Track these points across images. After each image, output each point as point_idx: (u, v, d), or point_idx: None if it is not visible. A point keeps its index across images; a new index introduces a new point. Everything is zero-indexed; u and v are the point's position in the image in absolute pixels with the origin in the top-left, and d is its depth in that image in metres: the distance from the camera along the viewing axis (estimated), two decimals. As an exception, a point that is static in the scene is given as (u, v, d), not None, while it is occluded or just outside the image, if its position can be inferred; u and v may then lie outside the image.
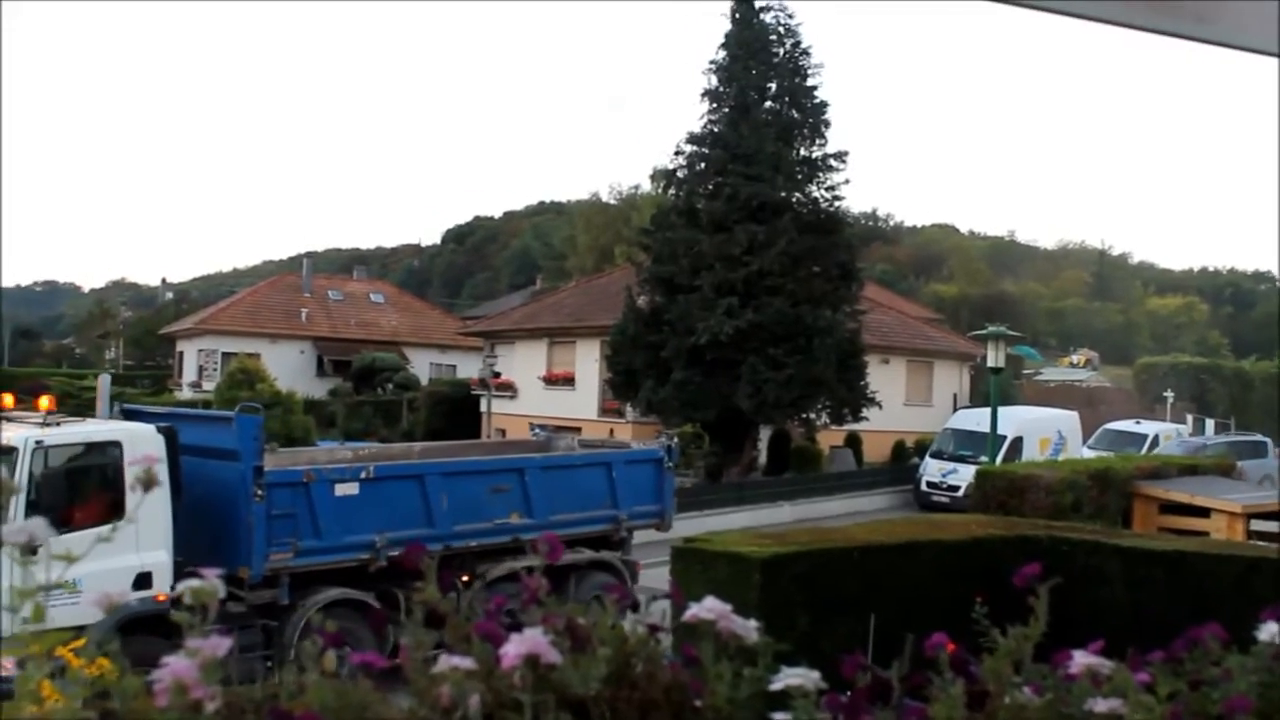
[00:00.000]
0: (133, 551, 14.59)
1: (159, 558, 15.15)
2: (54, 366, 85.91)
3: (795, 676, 1.66)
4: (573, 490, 20.09)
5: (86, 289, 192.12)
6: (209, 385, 54.93)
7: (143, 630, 12.20)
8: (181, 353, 67.30)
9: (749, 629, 1.87)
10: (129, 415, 17.60)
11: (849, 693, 1.82)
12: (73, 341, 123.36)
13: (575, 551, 18.78)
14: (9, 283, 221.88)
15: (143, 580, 14.90)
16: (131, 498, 14.35)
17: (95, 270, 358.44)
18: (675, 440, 22.32)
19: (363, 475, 17.51)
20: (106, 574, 10.72)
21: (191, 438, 16.26)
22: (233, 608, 15.72)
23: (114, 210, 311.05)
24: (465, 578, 18.03)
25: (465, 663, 1.56)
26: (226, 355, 57.09)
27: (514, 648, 1.53)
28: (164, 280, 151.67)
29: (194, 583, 1.70)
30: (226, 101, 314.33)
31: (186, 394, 58.41)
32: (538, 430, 24.08)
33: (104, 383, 18.40)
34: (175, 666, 1.53)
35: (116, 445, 15.30)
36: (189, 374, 63.33)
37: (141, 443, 15.24)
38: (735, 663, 1.84)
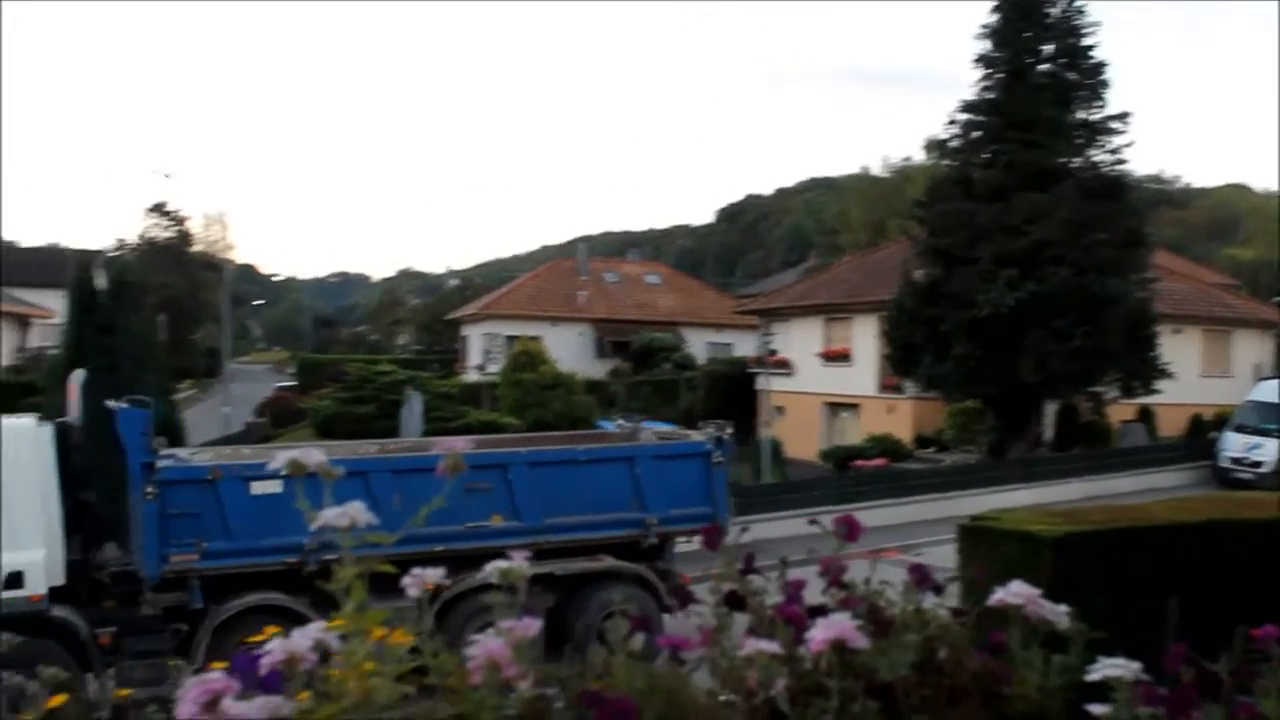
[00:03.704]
0: (6, 550, 14.06)
1: (34, 556, 14.41)
2: (351, 352, 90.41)
3: (1115, 667, 1.58)
4: (579, 490, 17.51)
5: (376, 279, 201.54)
6: (494, 368, 56.83)
7: (21, 630, 11.98)
8: (467, 337, 69.81)
9: (1059, 614, 1.80)
10: (110, 412, 16.03)
11: (1162, 682, 1.73)
12: (367, 329, 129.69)
13: (567, 561, 17.01)
14: (307, 275, 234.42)
15: (13, 580, 14.25)
16: (3, 494, 14.08)
17: (384, 260, 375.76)
18: (729, 431, 18.86)
19: (284, 472, 16.05)
20: None
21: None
22: (146, 610, 15.26)
23: (400, 202, 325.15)
24: (428, 587, 16.55)
25: (771, 646, 1.55)
26: (510, 339, 58.90)
27: (820, 633, 1.51)
28: (448, 268, 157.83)
29: (501, 564, 1.75)
30: (503, 92, 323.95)
31: (473, 377, 60.60)
32: (622, 420, 21.48)
33: (76, 379, 17.17)
34: (488, 645, 1.58)
35: None
36: (474, 357, 65.65)
37: (17, 439, 14.58)
38: (1044, 649, 1.78)
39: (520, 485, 16.98)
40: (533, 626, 1.58)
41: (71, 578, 14.94)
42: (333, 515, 1.67)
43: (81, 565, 15.19)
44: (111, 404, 15.83)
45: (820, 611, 1.78)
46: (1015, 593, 1.78)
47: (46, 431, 15.10)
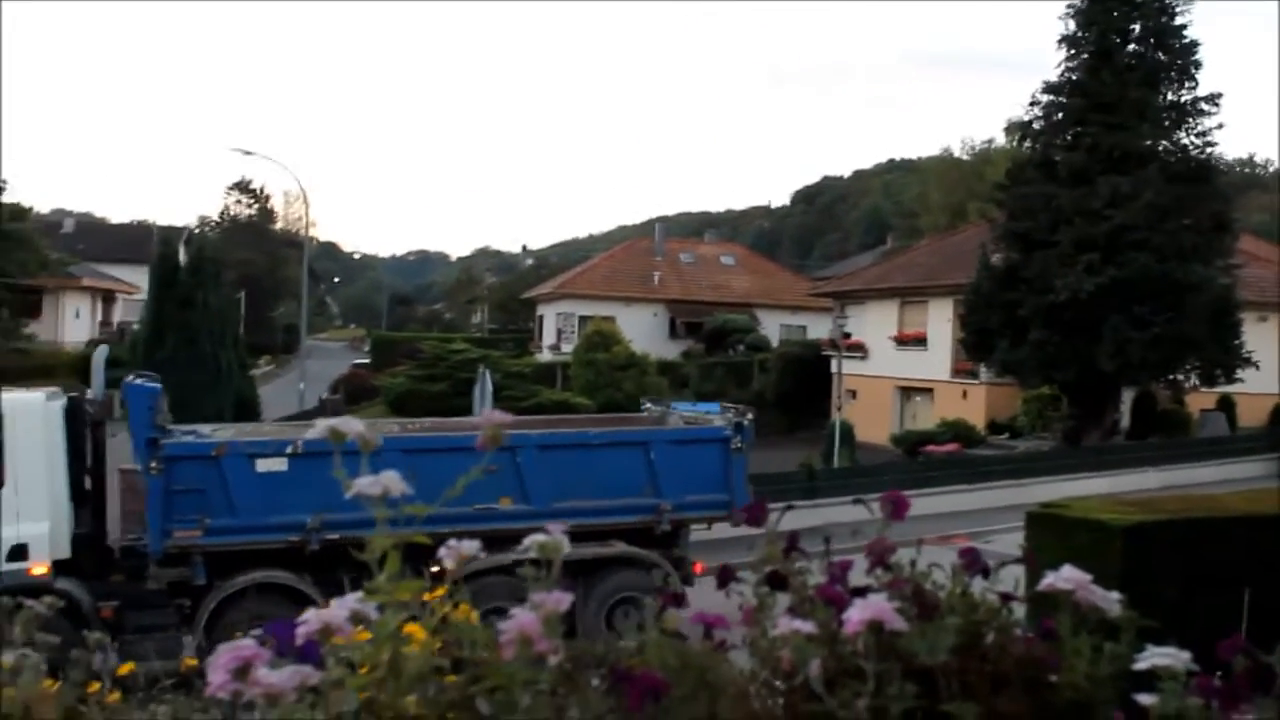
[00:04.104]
0: (11, 523, 14.26)
1: (38, 529, 14.58)
2: (426, 330, 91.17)
3: (1163, 656, 1.53)
4: (591, 474, 17.09)
5: (454, 257, 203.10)
6: (567, 347, 57.05)
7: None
8: (541, 316, 70.13)
9: (1110, 601, 1.75)
10: (127, 387, 16.07)
11: (1221, 675, 1.68)
12: (443, 307, 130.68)
13: (578, 546, 15.85)
14: (386, 253, 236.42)
15: (17, 552, 14.41)
16: (9, 468, 14.19)
17: (462, 239, 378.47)
18: (749, 417, 18.33)
19: (290, 450, 15.84)
20: None
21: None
22: (151, 584, 15.32)
23: (479, 182, 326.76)
24: (436, 568, 16.06)
25: (807, 626, 1.51)
26: (583, 319, 59.08)
27: (858, 613, 1.48)
28: (524, 247, 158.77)
29: (540, 537, 1.73)
30: (584, 72, 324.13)
31: (546, 356, 60.87)
32: (649, 405, 20.96)
33: (99, 355, 17.38)
34: (521, 620, 1.56)
35: None
36: (548, 337, 65.94)
37: (25, 413, 14.77)
38: (1095, 637, 1.73)
39: (530, 468, 16.71)
40: (563, 600, 1.56)
41: (79, 551, 15.09)
42: (366, 484, 1.66)
43: (89, 539, 15.31)
44: (127, 380, 16.01)
45: (863, 592, 1.74)
46: (1065, 578, 1.73)
47: (56, 406, 15.28)
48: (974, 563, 1.85)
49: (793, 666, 1.53)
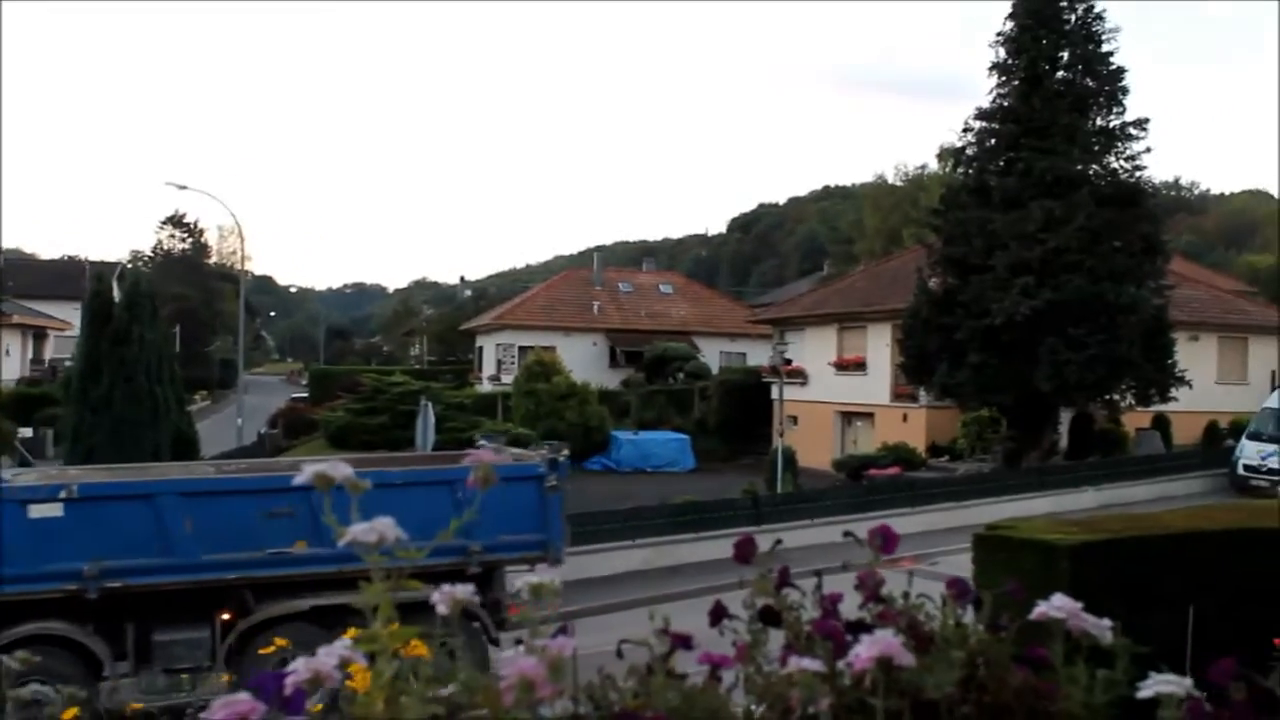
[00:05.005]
0: None
1: None
2: (364, 363, 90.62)
3: (1167, 684, 1.54)
4: (393, 515, 16.46)
5: (391, 289, 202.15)
6: (507, 378, 56.89)
7: None
8: (481, 347, 69.92)
9: (1103, 628, 1.76)
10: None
11: (1212, 700, 1.69)
12: (380, 339, 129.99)
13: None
14: (323, 286, 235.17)
15: None
16: None
17: (399, 271, 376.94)
18: (565, 453, 17.84)
19: (63, 495, 15.17)
20: None
21: None
22: None
23: (415, 213, 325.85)
24: (227, 615, 15.97)
25: (814, 664, 1.51)
26: (523, 349, 58.96)
27: (865, 650, 1.47)
28: (462, 278, 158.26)
29: (533, 578, 1.71)
30: (517, 103, 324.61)
31: (487, 387, 60.65)
32: (484, 440, 19.41)
33: None
34: (520, 664, 1.54)
35: None
36: (488, 368, 65.72)
37: None
38: (1088, 665, 1.73)
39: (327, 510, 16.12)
40: (568, 646, 1.54)
41: None
42: (361, 530, 1.63)
43: None
44: None
45: (859, 627, 1.73)
46: (1058, 606, 1.73)
47: None
48: (964, 593, 1.86)
49: (798, 705, 1.52)
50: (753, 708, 1.65)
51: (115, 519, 15.26)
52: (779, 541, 1.88)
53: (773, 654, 1.74)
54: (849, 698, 1.53)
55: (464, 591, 1.71)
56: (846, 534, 2.09)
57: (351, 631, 1.80)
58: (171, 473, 18.67)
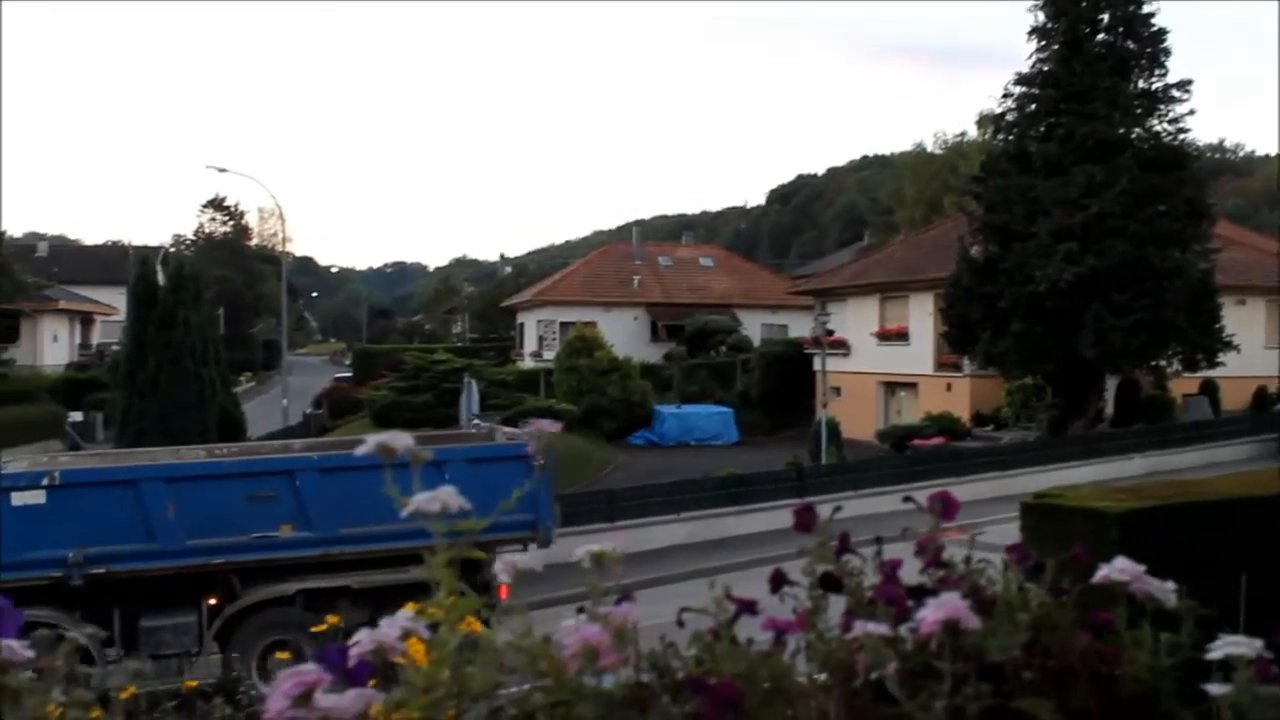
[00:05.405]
0: None
1: None
2: (406, 342, 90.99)
3: (1236, 645, 1.53)
4: (380, 497, 16.10)
5: (432, 268, 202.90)
6: (549, 354, 57.00)
7: None
8: (522, 324, 70.04)
9: (1167, 592, 1.75)
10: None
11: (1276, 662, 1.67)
12: (422, 318, 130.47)
13: (369, 574, 16.13)
14: (364, 266, 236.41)
15: None
16: None
17: (439, 249, 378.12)
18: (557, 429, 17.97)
19: (45, 482, 15.33)
20: None
21: None
22: None
23: (454, 191, 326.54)
24: (214, 600, 16.06)
25: (880, 628, 1.50)
26: (565, 325, 59.01)
27: (931, 613, 1.47)
28: (502, 255, 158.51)
29: (593, 547, 1.71)
30: (557, 78, 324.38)
31: (529, 363, 60.79)
32: (478, 421, 19.77)
33: None
34: (585, 632, 1.55)
35: None
36: (530, 344, 65.85)
37: None
38: (1152, 628, 1.72)
39: (310, 493, 16.22)
40: (631, 613, 1.55)
41: None
42: (424, 500, 1.64)
43: None
44: None
45: (920, 591, 1.73)
46: (1121, 569, 1.72)
47: None
48: (1025, 558, 1.85)
49: (863, 670, 1.52)
50: (815, 676, 1.65)
51: (99, 505, 15.40)
52: (838, 508, 1.87)
53: (832, 620, 1.74)
54: (913, 662, 1.53)
55: (526, 560, 1.71)
56: (906, 499, 2.08)
57: (411, 605, 1.81)
58: (162, 458, 18.80)
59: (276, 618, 16.24)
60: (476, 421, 19.92)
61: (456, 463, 15.91)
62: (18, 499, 15.01)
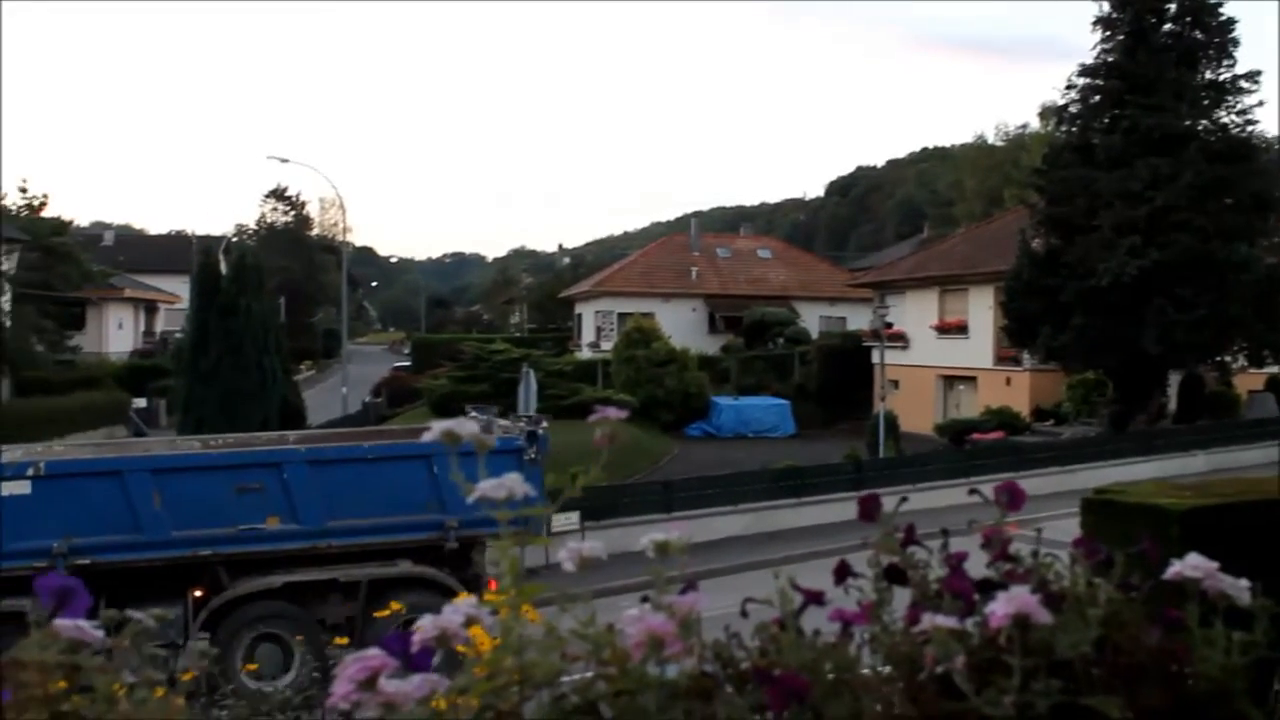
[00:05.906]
0: None
1: None
2: (464, 332, 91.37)
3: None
4: (368, 490, 16.28)
5: (490, 258, 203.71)
6: (607, 345, 57.07)
7: None
8: (580, 315, 70.14)
9: (1241, 589, 1.72)
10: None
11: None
12: (480, 308, 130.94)
13: (356, 567, 16.19)
14: (422, 256, 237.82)
15: None
16: None
17: (497, 240, 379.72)
18: (544, 425, 17.41)
19: (30, 473, 15.22)
20: None
21: None
22: None
23: (513, 182, 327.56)
24: (200, 592, 16.00)
25: (950, 621, 1.49)
26: (622, 316, 59.05)
27: (1002, 607, 1.45)
28: (560, 246, 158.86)
29: (659, 535, 1.71)
30: (612, 70, 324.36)
31: (586, 354, 60.90)
32: (475, 412, 19.60)
33: None
34: (650, 621, 1.54)
35: None
36: (588, 335, 65.95)
37: None
38: (1225, 627, 1.69)
39: (298, 485, 16.17)
40: (698, 602, 1.54)
41: None
42: (489, 487, 1.64)
43: None
44: None
45: (987, 585, 1.71)
46: (1194, 566, 1.70)
47: None
48: (1094, 552, 1.82)
49: (931, 663, 1.50)
50: (879, 669, 1.64)
51: (84, 496, 15.36)
52: (904, 499, 1.86)
53: (896, 613, 1.73)
54: (980, 656, 1.51)
55: (592, 549, 1.71)
56: (971, 491, 2.06)
57: (462, 594, 1.82)
58: (154, 449, 18.80)
59: (263, 610, 16.26)
60: (474, 414, 19.65)
61: (444, 456, 15.31)
62: (3, 489, 15.03)
